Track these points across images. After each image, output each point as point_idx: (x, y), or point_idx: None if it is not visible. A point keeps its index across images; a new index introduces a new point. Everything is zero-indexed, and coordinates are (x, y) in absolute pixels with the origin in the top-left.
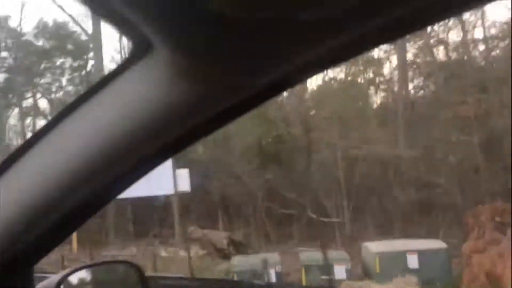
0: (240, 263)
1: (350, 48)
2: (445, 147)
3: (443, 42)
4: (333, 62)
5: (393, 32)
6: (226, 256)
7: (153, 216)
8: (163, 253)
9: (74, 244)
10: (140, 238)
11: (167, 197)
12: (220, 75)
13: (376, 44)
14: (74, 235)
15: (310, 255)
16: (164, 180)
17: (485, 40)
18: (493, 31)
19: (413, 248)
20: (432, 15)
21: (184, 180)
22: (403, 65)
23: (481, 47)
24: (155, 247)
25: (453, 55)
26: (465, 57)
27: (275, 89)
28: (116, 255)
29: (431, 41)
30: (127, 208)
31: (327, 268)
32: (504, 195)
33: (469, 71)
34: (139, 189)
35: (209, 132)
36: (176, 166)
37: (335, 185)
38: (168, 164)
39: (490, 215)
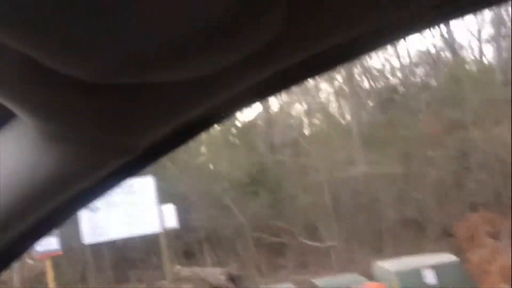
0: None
1: (245, 97)
2: (420, 163)
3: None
4: (231, 110)
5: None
6: None
7: (133, 257)
8: None
9: None
10: (123, 282)
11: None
12: (95, 138)
13: (274, 90)
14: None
15: (326, 281)
16: (148, 218)
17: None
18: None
19: (427, 264)
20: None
21: (170, 216)
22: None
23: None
24: None
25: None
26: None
27: (163, 148)
28: None
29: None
30: (104, 252)
31: None
32: (486, 205)
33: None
34: (122, 230)
35: (95, 196)
36: (161, 201)
37: (323, 208)
38: (151, 200)
39: (481, 223)
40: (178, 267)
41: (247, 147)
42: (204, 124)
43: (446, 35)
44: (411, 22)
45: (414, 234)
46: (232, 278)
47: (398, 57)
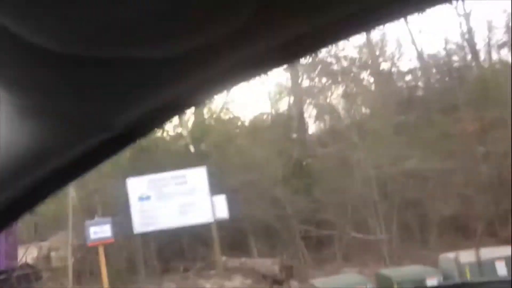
0: (324, 285)
1: (223, 79)
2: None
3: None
4: (206, 93)
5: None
6: (278, 283)
7: (182, 247)
8: (207, 285)
9: (105, 284)
10: (171, 272)
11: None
12: (71, 114)
13: (253, 72)
14: (104, 274)
15: (398, 272)
16: (200, 209)
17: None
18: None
19: (498, 256)
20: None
21: (221, 207)
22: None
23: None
24: (193, 280)
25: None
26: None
27: (141, 129)
28: None
29: None
30: (151, 242)
31: (420, 283)
32: None
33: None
34: (173, 220)
35: (73, 176)
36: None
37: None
38: (205, 191)
39: None
40: (223, 257)
41: (297, 139)
42: (180, 106)
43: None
44: (381, 9)
45: (461, 229)
46: (285, 269)
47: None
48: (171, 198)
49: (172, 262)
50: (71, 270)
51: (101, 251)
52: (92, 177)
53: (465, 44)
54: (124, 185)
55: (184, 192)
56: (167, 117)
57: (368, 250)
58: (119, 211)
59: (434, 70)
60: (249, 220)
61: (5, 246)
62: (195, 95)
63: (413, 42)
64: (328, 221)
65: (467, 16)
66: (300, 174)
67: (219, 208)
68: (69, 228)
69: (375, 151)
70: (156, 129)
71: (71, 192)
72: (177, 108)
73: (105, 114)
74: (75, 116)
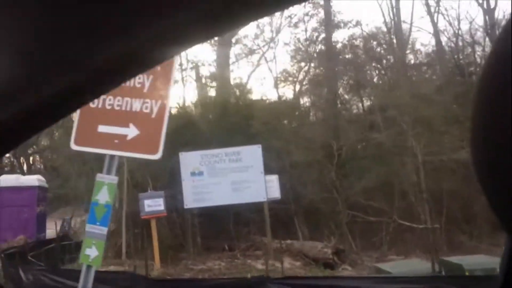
0: (393, 269)
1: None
2: None
3: None
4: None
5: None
6: (330, 267)
7: (224, 226)
8: (259, 266)
9: (157, 262)
10: (214, 251)
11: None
12: (40, 50)
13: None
14: (156, 247)
15: (467, 260)
16: (255, 187)
17: None
18: None
19: None
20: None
21: (274, 187)
22: None
23: None
24: (241, 260)
25: None
26: None
27: (110, 78)
28: (204, 269)
29: None
30: (196, 218)
31: (491, 271)
32: None
33: None
34: (225, 197)
35: (45, 120)
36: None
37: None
38: (259, 169)
39: None
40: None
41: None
42: (151, 57)
43: None
44: None
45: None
46: (337, 252)
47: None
48: (224, 175)
49: (217, 241)
50: (125, 242)
51: (153, 224)
52: None
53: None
54: (177, 160)
55: (238, 170)
56: (136, 70)
57: (415, 239)
58: (170, 185)
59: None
60: (296, 202)
61: (37, 218)
62: (155, 47)
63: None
64: (375, 208)
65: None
66: (351, 158)
67: (271, 187)
68: (124, 200)
69: (427, 139)
70: (125, 78)
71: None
72: (149, 60)
73: (75, 54)
74: (44, 52)
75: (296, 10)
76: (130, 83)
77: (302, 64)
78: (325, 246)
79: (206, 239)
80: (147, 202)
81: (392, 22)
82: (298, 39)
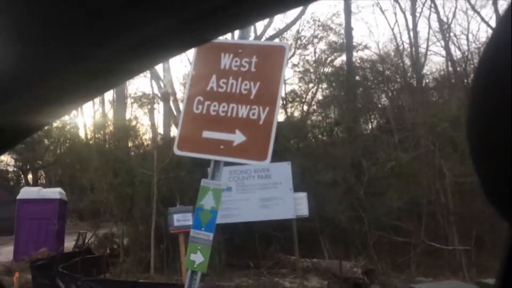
0: None
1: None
2: None
3: None
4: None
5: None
6: (359, 286)
7: (249, 243)
8: (287, 284)
9: (184, 277)
10: (238, 267)
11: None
12: (54, 37)
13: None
14: (184, 267)
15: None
16: (284, 204)
17: None
18: None
19: None
20: None
21: (302, 204)
22: None
23: None
24: (267, 277)
25: None
26: None
27: (127, 64)
28: (231, 286)
29: None
30: (221, 234)
31: None
32: None
33: None
34: (257, 213)
35: (51, 110)
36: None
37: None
38: (288, 186)
39: None
40: (292, 257)
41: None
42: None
43: None
44: None
45: None
46: (367, 272)
47: None
48: (252, 191)
49: (241, 258)
50: (153, 257)
51: (181, 239)
52: (172, 165)
53: None
54: (205, 174)
55: (267, 186)
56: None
57: (443, 260)
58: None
59: None
60: (323, 220)
61: (56, 230)
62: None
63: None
64: (402, 228)
65: None
66: (379, 178)
67: (299, 205)
68: (153, 214)
69: (455, 159)
70: (135, 71)
71: (154, 177)
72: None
73: (87, 43)
74: (53, 45)
75: (305, 32)
76: (236, 89)
77: (310, 85)
78: (354, 266)
79: (230, 256)
80: (176, 216)
81: (403, 45)
82: (307, 61)
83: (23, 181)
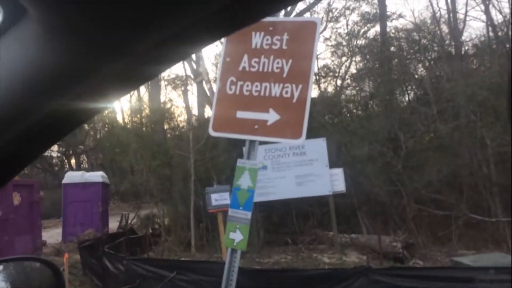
0: (474, 263)
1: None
2: None
3: None
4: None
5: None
6: (400, 260)
7: (286, 219)
8: (326, 259)
9: (224, 255)
10: (277, 244)
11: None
12: (95, 34)
13: None
14: (223, 245)
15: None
16: (320, 181)
17: None
18: None
19: None
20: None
21: (339, 180)
22: None
23: None
24: (306, 253)
25: None
26: None
27: (164, 58)
28: (271, 262)
29: None
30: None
31: None
32: None
33: None
34: (290, 190)
35: (98, 103)
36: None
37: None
38: (324, 163)
39: None
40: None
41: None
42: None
43: None
44: None
45: None
46: (407, 246)
47: None
48: (288, 169)
49: (278, 234)
50: (193, 236)
51: (220, 218)
52: (208, 145)
53: None
54: (240, 153)
55: (302, 163)
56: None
57: (485, 232)
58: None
59: None
60: (359, 196)
61: (100, 212)
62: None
63: None
64: (443, 201)
65: None
66: (418, 150)
67: (336, 181)
68: (191, 194)
69: (496, 129)
70: (176, 61)
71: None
72: (196, 42)
73: (125, 39)
74: (99, 39)
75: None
76: (268, 68)
77: (344, 59)
78: (393, 240)
79: (268, 233)
80: (213, 196)
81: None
82: (339, 34)
83: (67, 166)
